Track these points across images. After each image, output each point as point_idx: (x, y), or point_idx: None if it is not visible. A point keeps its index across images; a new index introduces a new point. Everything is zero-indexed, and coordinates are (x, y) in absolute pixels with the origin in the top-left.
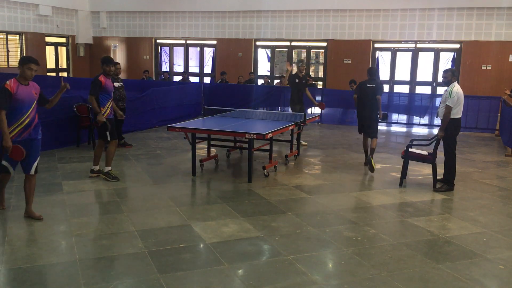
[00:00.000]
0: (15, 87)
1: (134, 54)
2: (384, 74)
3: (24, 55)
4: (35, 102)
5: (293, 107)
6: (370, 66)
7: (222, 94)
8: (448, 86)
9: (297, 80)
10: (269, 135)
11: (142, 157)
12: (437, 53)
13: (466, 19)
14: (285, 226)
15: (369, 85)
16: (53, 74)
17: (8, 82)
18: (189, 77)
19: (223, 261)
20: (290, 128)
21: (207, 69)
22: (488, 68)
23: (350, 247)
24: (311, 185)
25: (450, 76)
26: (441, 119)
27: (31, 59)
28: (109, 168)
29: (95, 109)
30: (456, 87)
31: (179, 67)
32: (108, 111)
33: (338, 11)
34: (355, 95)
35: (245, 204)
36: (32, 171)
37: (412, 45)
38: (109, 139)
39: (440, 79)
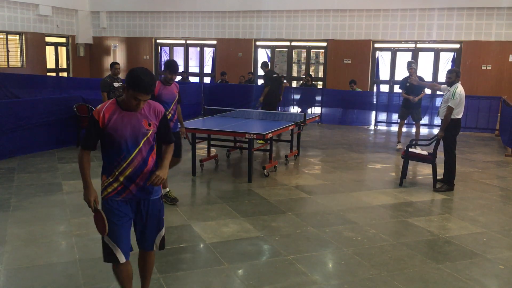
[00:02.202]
0: (107, 114)
1: (134, 54)
2: (384, 74)
3: (135, 68)
4: (147, 137)
5: (403, 111)
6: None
7: (222, 94)
8: (451, 87)
9: (408, 84)
10: (269, 135)
11: None
12: (437, 53)
13: (466, 19)
14: (285, 226)
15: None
16: (53, 74)
17: (99, 106)
18: (189, 77)
19: (223, 261)
20: (290, 128)
21: (207, 69)
22: (488, 68)
23: (350, 247)
24: (311, 185)
25: (454, 77)
26: (441, 119)
27: (142, 87)
28: (167, 189)
29: None
30: (459, 88)
31: (179, 67)
32: None
33: (338, 11)
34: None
35: (245, 204)
36: (153, 247)
37: (412, 45)
38: None
39: (440, 79)
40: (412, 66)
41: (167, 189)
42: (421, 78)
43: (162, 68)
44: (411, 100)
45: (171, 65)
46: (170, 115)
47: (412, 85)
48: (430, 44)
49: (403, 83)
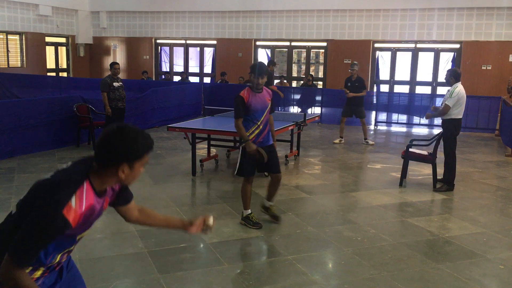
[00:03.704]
0: (86, 205)
1: (134, 54)
2: (384, 74)
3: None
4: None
5: (345, 109)
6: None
7: (222, 94)
8: (451, 86)
9: (349, 84)
10: None
11: None
12: (437, 53)
13: (466, 19)
14: (285, 226)
15: None
16: (53, 74)
17: (63, 197)
18: (189, 77)
19: (223, 261)
20: (290, 128)
21: (207, 69)
22: (488, 68)
23: (350, 247)
24: (311, 185)
25: (448, 77)
26: (442, 119)
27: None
28: (249, 211)
29: (242, 136)
30: (459, 88)
31: (179, 67)
32: (252, 136)
33: (338, 11)
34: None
35: None
36: None
37: (412, 45)
38: (238, 172)
39: (440, 79)
40: (354, 68)
41: (271, 203)
42: (361, 80)
43: (250, 72)
44: (346, 95)
45: (255, 66)
46: (259, 128)
47: (352, 84)
48: (430, 44)
49: (345, 83)
